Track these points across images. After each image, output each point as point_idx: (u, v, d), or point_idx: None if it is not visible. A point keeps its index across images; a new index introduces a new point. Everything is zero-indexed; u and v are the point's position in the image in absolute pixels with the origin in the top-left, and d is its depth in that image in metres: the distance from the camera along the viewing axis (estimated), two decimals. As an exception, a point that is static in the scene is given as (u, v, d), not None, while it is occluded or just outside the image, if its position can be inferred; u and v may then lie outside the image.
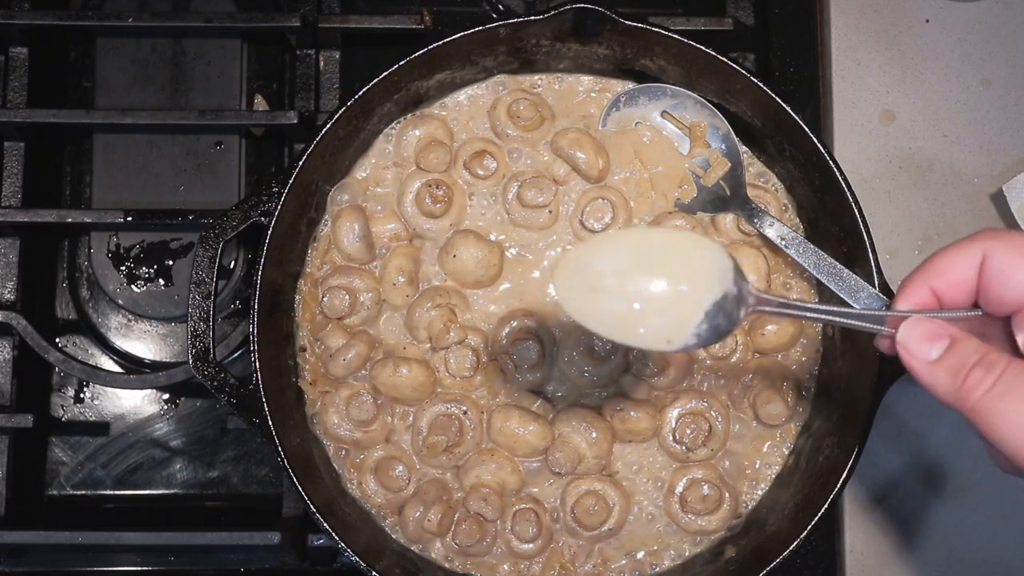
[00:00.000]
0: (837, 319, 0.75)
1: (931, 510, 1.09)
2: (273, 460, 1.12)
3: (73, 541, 1.05)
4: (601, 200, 1.01)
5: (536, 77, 1.05)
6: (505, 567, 1.00)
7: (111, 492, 1.15)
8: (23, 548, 1.10)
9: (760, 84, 0.96)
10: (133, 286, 1.13)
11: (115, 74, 1.15)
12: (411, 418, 1.00)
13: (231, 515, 1.14)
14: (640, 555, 1.00)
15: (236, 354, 1.11)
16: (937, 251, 0.73)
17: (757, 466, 1.02)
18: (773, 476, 1.01)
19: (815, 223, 1.01)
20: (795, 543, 0.92)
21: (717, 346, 1.00)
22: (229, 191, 1.13)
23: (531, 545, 0.99)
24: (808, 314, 0.76)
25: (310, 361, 1.01)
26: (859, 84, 1.15)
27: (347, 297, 0.99)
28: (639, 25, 0.96)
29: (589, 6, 0.95)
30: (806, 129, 0.96)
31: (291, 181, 0.94)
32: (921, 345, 0.70)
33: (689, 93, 1.01)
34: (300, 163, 0.95)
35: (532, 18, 0.96)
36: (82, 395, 1.16)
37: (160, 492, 1.15)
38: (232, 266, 1.13)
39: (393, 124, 1.03)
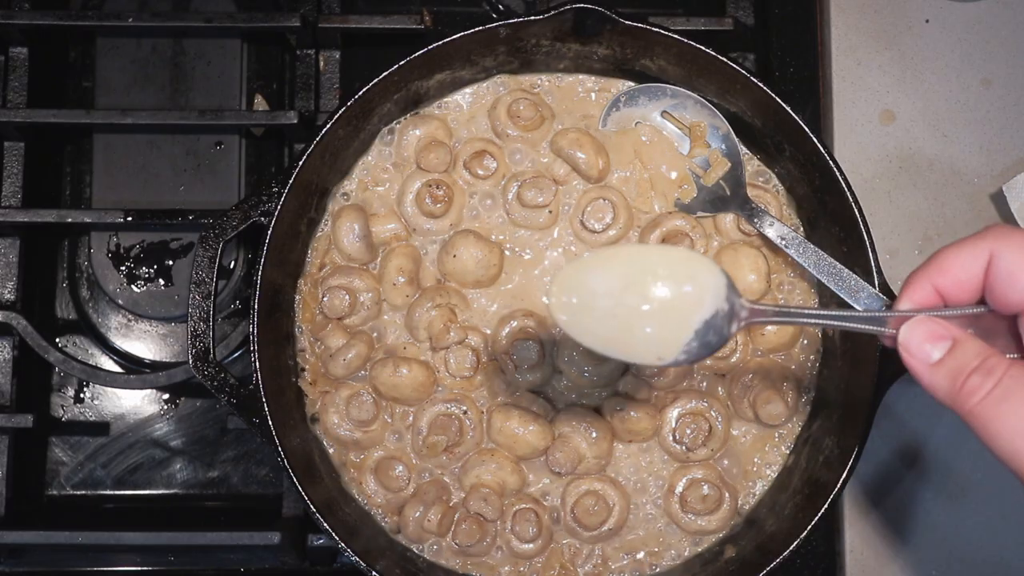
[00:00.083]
0: (835, 322, 0.75)
1: (931, 510, 1.09)
2: (273, 460, 1.12)
3: (73, 541, 1.05)
4: (601, 200, 1.01)
5: (536, 77, 1.05)
6: (505, 567, 1.00)
7: (111, 492, 1.15)
8: (23, 548, 1.10)
9: (760, 84, 0.96)
10: (133, 286, 1.13)
11: (115, 74, 1.15)
12: (411, 418, 1.00)
13: (231, 515, 1.14)
14: (640, 555, 1.00)
15: (236, 354, 1.11)
16: (943, 248, 0.72)
17: (757, 466, 1.02)
18: (773, 476, 1.01)
19: (815, 223, 1.01)
20: (795, 543, 0.92)
21: (717, 346, 1.01)
22: (229, 191, 1.13)
23: (531, 545, 0.99)
24: (805, 320, 0.76)
25: (310, 361, 1.01)
26: (859, 84, 1.15)
27: (347, 297, 0.99)
28: (639, 25, 0.96)
29: (589, 6, 0.95)
30: (806, 129, 0.96)
31: (291, 181, 0.94)
32: (923, 346, 0.70)
33: (689, 93, 1.01)
34: (300, 163, 0.95)
35: (532, 18, 0.96)
36: (82, 395, 1.16)
37: (160, 492, 1.15)
38: (232, 266, 1.13)
39: (393, 124, 1.03)
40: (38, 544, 1.08)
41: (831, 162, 0.95)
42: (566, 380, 1.01)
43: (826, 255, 0.95)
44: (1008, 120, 1.14)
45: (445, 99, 1.04)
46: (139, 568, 1.11)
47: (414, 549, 0.99)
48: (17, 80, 1.13)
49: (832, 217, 0.98)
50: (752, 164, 1.04)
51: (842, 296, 0.91)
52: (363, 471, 1.00)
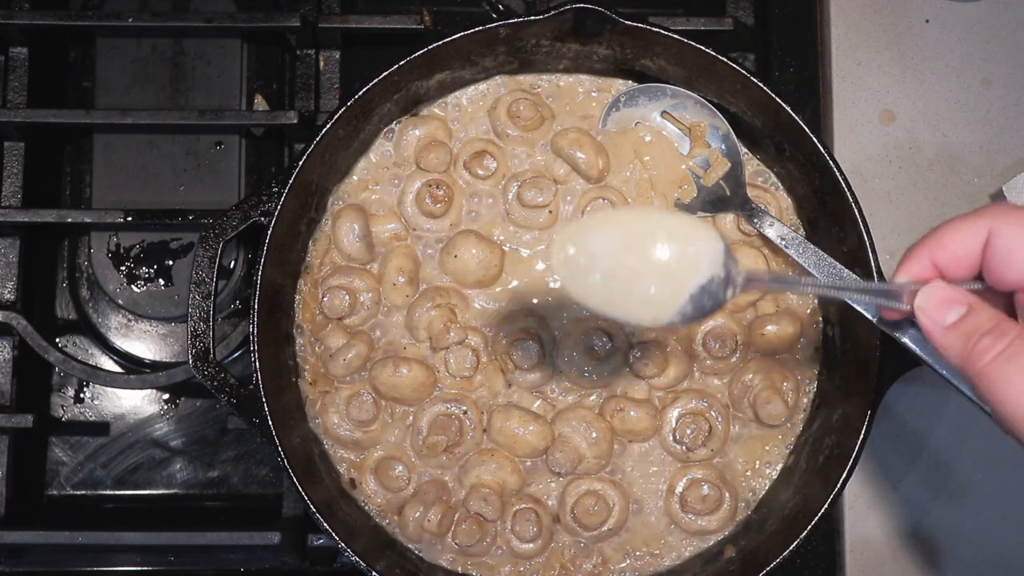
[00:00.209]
0: (835, 292, 0.75)
1: (931, 510, 1.09)
2: (273, 460, 1.12)
3: (73, 541, 1.05)
4: (601, 200, 1.01)
5: (536, 77, 1.05)
6: (505, 567, 1.00)
7: (111, 492, 1.15)
8: (23, 548, 1.10)
9: (760, 84, 0.96)
10: (133, 286, 1.13)
11: (115, 74, 1.15)
12: (411, 418, 1.00)
13: (231, 515, 1.14)
14: (640, 555, 1.00)
15: (236, 354, 1.11)
16: (942, 224, 0.72)
17: (757, 466, 1.02)
18: (773, 476, 1.01)
19: (815, 223, 1.01)
20: (795, 543, 0.92)
21: (716, 346, 1.00)
22: (229, 191, 1.13)
23: (531, 545, 0.99)
24: (802, 288, 0.76)
25: (310, 361, 1.01)
26: (859, 84, 1.15)
27: (347, 297, 0.99)
28: (639, 25, 0.96)
29: (589, 6, 0.95)
30: (806, 129, 0.96)
31: (291, 181, 0.94)
32: (939, 309, 0.70)
33: (689, 93, 1.01)
34: (300, 163, 0.95)
35: (532, 18, 0.96)
36: (82, 395, 1.16)
37: (160, 492, 1.15)
38: (232, 266, 1.13)
39: (393, 124, 1.03)
40: (38, 544, 1.08)
41: (831, 162, 0.95)
42: (566, 380, 1.01)
43: (826, 255, 0.95)
44: (1008, 120, 1.14)
45: (445, 99, 1.04)
46: (139, 568, 1.11)
47: (414, 549, 0.99)
48: (17, 80, 1.13)
49: (832, 217, 0.98)
50: (752, 164, 1.04)
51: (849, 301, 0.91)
52: (363, 471, 1.00)
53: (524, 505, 0.99)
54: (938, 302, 0.70)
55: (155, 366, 1.15)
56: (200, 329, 0.94)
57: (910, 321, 0.79)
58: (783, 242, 0.97)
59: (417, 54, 0.96)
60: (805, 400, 1.02)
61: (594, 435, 0.98)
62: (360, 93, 0.96)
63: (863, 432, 0.92)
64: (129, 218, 1.08)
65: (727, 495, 1.00)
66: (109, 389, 1.16)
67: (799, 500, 0.97)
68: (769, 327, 1.00)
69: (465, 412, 0.99)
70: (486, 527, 0.98)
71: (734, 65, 0.96)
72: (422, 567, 0.98)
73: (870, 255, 0.94)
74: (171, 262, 1.13)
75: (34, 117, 1.11)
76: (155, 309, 1.13)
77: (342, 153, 1.01)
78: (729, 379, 1.01)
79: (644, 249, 0.72)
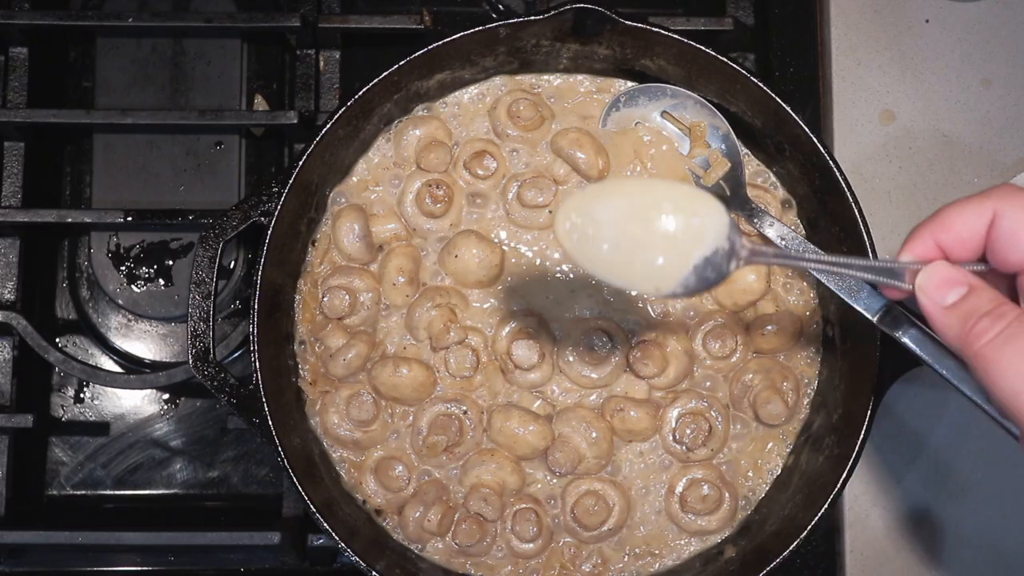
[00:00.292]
0: (839, 268, 0.75)
1: (931, 510, 1.09)
2: (273, 460, 1.12)
3: (73, 541, 1.05)
4: (601, 200, 1.01)
5: (536, 77, 1.05)
6: (505, 567, 1.00)
7: (111, 492, 1.15)
8: (23, 548, 1.10)
9: (760, 84, 0.96)
10: (133, 286, 1.13)
11: (115, 74, 1.15)
12: (411, 418, 1.00)
13: (231, 515, 1.14)
14: (640, 555, 1.00)
15: (236, 354, 1.11)
16: (947, 205, 0.72)
17: (757, 466, 1.02)
18: (773, 476, 1.01)
19: (815, 223, 1.01)
20: (795, 543, 0.92)
21: (716, 346, 1.00)
22: (229, 191, 1.13)
23: (531, 545, 0.99)
24: (807, 264, 0.77)
25: (310, 361, 1.01)
26: (859, 84, 1.15)
27: (347, 297, 0.99)
28: (639, 25, 0.96)
29: (589, 6, 0.95)
30: (806, 129, 0.96)
31: (291, 181, 0.94)
32: (939, 289, 0.70)
33: (689, 93, 1.01)
34: (300, 163, 0.95)
35: (532, 18, 0.96)
36: (82, 395, 1.16)
37: (160, 492, 1.15)
38: (232, 266, 1.13)
39: (393, 124, 1.04)
40: (38, 544, 1.08)
41: (831, 162, 0.95)
42: (566, 380, 1.01)
43: (826, 255, 0.95)
44: (1008, 120, 1.14)
45: (445, 99, 1.04)
46: (139, 568, 1.11)
47: (414, 549, 0.99)
48: (17, 80, 1.13)
49: (832, 217, 0.98)
50: (752, 164, 1.04)
51: (842, 296, 0.91)
52: (363, 471, 1.00)
53: (524, 505, 0.99)
54: (939, 282, 0.70)
55: (155, 366, 1.15)
56: (200, 329, 0.94)
57: (910, 321, 0.79)
58: (783, 242, 0.97)
59: (417, 54, 0.96)
60: (805, 400, 1.02)
61: (594, 435, 0.98)
62: (360, 93, 0.96)
63: (863, 432, 0.92)
64: (129, 218, 1.08)
65: (727, 495, 1.00)
66: (109, 389, 1.16)
67: (799, 500, 0.97)
68: (769, 327, 1.00)
69: (465, 412, 0.99)
70: (486, 527, 0.98)
71: (734, 65, 0.96)
72: (422, 567, 0.98)
73: (870, 255, 0.94)
74: (171, 262, 1.13)
75: (34, 117, 1.11)
76: (155, 309, 1.13)
77: (342, 153, 1.01)
78: (729, 379, 1.01)
79: (649, 219, 0.72)
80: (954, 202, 0.72)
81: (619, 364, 1.00)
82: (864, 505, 1.10)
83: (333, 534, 0.92)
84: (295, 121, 1.09)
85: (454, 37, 0.96)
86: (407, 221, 1.02)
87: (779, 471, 1.01)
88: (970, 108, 1.15)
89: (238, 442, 1.16)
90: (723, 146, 1.02)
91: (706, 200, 0.73)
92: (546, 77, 1.05)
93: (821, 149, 0.95)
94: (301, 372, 1.01)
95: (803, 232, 1.02)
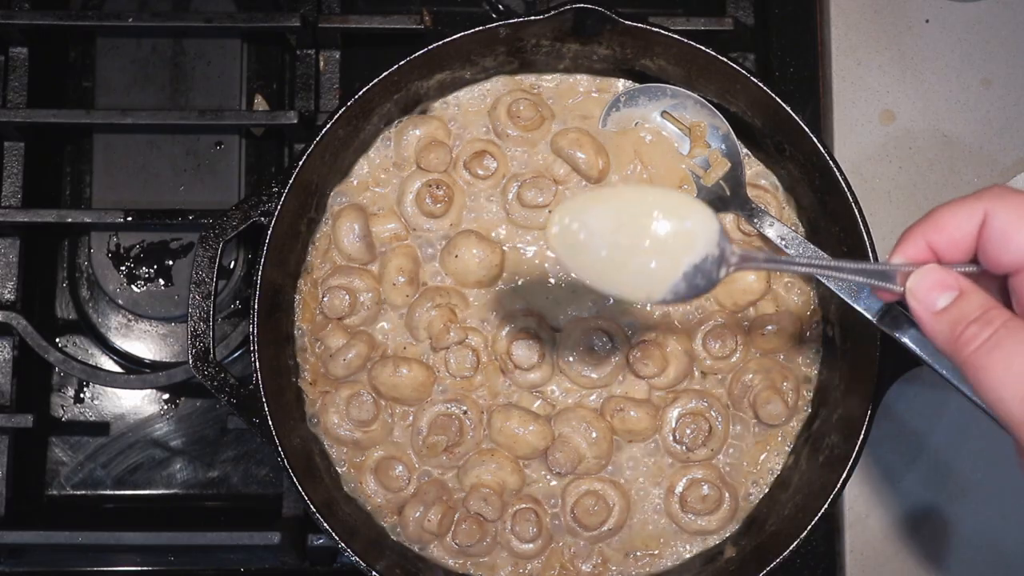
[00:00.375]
0: (831, 272, 0.75)
1: (931, 510, 1.09)
2: (273, 460, 1.12)
3: (73, 541, 1.05)
4: (601, 200, 1.01)
5: (536, 77, 1.05)
6: (505, 567, 1.00)
7: (111, 492, 1.15)
8: (23, 548, 1.10)
9: (760, 84, 0.96)
10: (133, 286, 1.13)
11: (115, 74, 1.15)
12: (411, 418, 1.00)
13: (231, 515, 1.14)
14: (640, 555, 1.00)
15: (236, 354, 1.11)
16: (938, 206, 0.72)
17: (757, 466, 1.02)
18: (773, 476, 1.01)
19: (815, 223, 1.01)
20: (795, 543, 0.92)
21: (716, 346, 1.01)
22: (229, 191, 1.13)
23: (531, 545, 0.99)
24: (797, 268, 0.77)
25: (310, 361, 1.01)
26: (859, 84, 1.15)
27: (347, 297, 0.99)
28: (639, 25, 0.96)
29: (589, 6, 0.95)
30: (806, 129, 0.96)
31: (291, 181, 0.94)
32: (930, 293, 0.70)
33: (689, 93, 1.01)
34: (300, 163, 0.95)
35: (532, 18, 0.96)
36: (82, 395, 1.16)
37: (160, 492, 1.15)
38: (232, 266, 1.14)
39: (393, 124, 1.04)
40: (38, 544, 1.08)
41: (831, 162, 0.95)
42: (566, 380, 1.01)
43: (826, 255, 0.95)
44: (1008, 120, 1.14)
45: (445, 99, 1.04)
46: (139, 568, 1.11)
47: (414, 549, 0.99)
48: (17, 80, 1.13)
49: (832, 217, 0.98)
50: (752, 164, 1.04)
51: (842, 296, 0.91)
52: (363, 471, 1.00)
53: (524, 505, 0.99)
54: (930, 286, 0.70)
55: (155, 366, 1.15)
56: (200, 329, 0.94)
57: (910, 321, 0.79)
58: (783, 242, 0.97)
59: (417, 54, 0.96)
60: (805, 400, 1.02)
61: (594, 435, 0.98)
62: (360, 93, 0.96)
63: (863, 432, 0.92)
64: (129, 218, 1.08)
65: (727, 495, 1.00)
66: (109, 389, 1.16)
67: (799, 500, 0.97)
68: (769, 327, 1.00)
69: (465, 412, 0.99)
70: (486, 527, 0.98)
71: (734, 65, 0.96)
72: (422, 567, 0.98)
73: (870, 255, 0.94)
74: (171, 262, 1.13)
75: (34, 117, 1.11)
76: (155, 309, 1.13)
77: (342, 153, 1.01)
78: (729, 379, 1.01)
79: (640, 226, 0.72)
80: (945, 203, 0.72)
81: (619, 364, 1.00)
82: (864, 505, 1.10)
83: (333, 534, 0.92)
84: (295, 121, 1.09)
85: (454, 37, 0.96)
86: (407, 221, 1.02)
87: (779, 471, 1.01)
88: (970, 108, 1.15)
89: (238, 442, 1.16)
90: (723, 146, 1.02)
91: (696, 207, 0.73)
92: (546, 77, 1.05)
93: (821, 149, 0.95)
94: (301, 372, 1.01)
95: (803, 232, 1.02)
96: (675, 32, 0.97)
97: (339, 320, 1.00)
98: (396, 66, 0.96)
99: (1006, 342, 0.66)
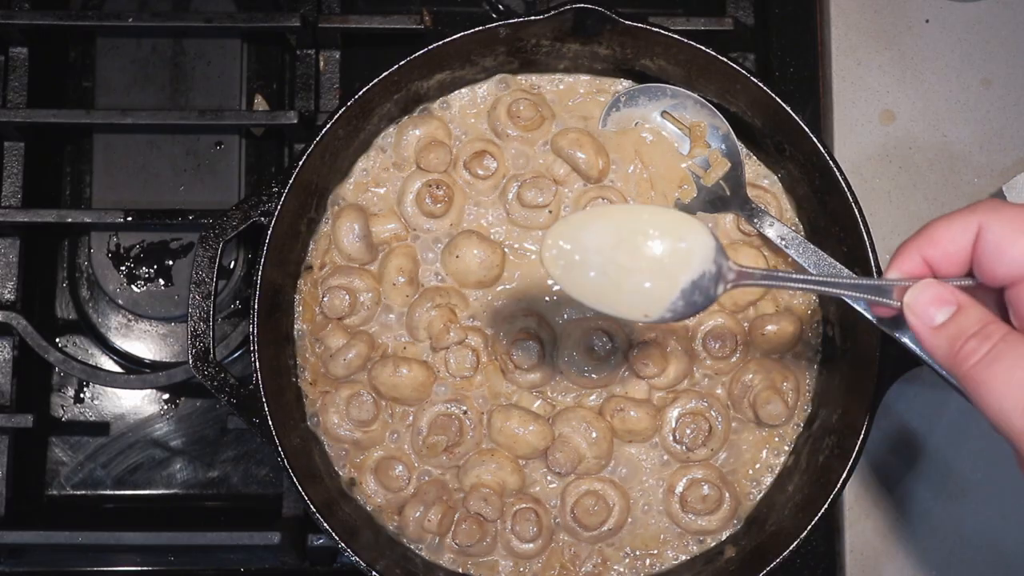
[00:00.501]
0: (827, 288, 0.75)
1: (931, 510, 1.09)
2: (273, 460, 1.12)
3: (73, 541, 1.05)
4: (601, 200, 1.01)
5: (536, 77, 1.05)
6: (506, 567, 1.00)
7: (111, 492, 1.15)
8: (23, 548, 1.10)
9: (760, 84, 0.96)
10: (133, 286, 1.13)
11: (115, 74, 1.15)
12: (411, 418, 1.00)
13: (231, 515, 1.14)
14: (640, 555, 1.00)
15: (236, 354, 1.11)
16: (933, 220, 0.72)
17: (757, 466, 1.02)
18: (773, 476, 1.01)
19: (815, 223, 1.01)
20: (795, 543, 0.92)
21: (716, 346, 1.01)
22: (229, 191, 1.13)
23: (531, 545, 0.99)
24: (794, 284, 0.76)
25: (310, 361, 1.01)
26: (859, 84, 1.15)
27: (347, 297, 0.99)
28: (639, 25, 0.96)
29: (589, 6, 0.95)
30: (806, 129, 0.96)
31: (291, 181, 0.94)
32: (928, 308, 0.70)
33: (689, 93, 1.01)
34: (300, 163, 0.95)
35: (532, 18, 0.96)
36: (82, 395, 1.16)
37: (160, 492, 1.15)
38: (232, 266, 1.14)
39: (393, 124, 1.04)
40: (38, 544, 1.08)
41: (831, 162, 0.95)
42: (566, 380, 1.01)
43: (826, 255, 0.95)
44: (1008, 120, 1.14)
45: (445, 99, 1.04)
46: (139, 568, 1.11)
47: (414, 549, 0.99)
48: (17, 80, 1.13)
49: (832, 217, 0.98)
50: (752, 164, 1.04)
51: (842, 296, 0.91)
52: (363, 471, 1.00)
53: (524, 505, 0.99)
54: (927, 301, 0.70)
55: (155, 366, 1.15)
56: (200, 329, 0.94)
57: None
58: (783, 242, 0.97)
59: (417, 54, 0.96)
60: (805, 400, 1.02)
61: (594, 435, 0.98)
62: (360, 93, 0.96)
63: (863, 432, 0.92)
64: (129, 218, 1.08)
65: (727, 495, 1.00)
66: (109, 389, 1.16)
67: (799, 500, 0.97)
68: (769, 327, 1.00)
69: (465, 412, 0.99)
70: (486, 527, 0.98)
71: (734, 65, 0.96)
72: (422, 567, 0.98)
73: (870, 255, 0.94)
74: (171, 262, 1.13)
75: (34, 117, 1.11)
76: (155, 309, 1.13)
77: (342, 153, 1.01)
78: (729, 379, 1.01)
79: (636, 245, 0.73)
80: (939, 217, 0.72)
81: (619, 364, 1.00)
82: (864, 505, 1.10)
83: (333, 534, 0.92)
84: (295, 121, 1.09)
85: (454, 37, 0.96)
86: (407, 221, 1.02)
87: (779, 471, 1.01)
88: (970, 108, 1.15)
89: (238, 442, 1.16)
90: (723, 146, 1.02)
91: (692, 224, 0.73)
92: (546, 77, 1.05)
93: (821, 149, 0.95)
94: (301, 372, 1.01)
95: (803, 232, 1.02)
96: (675, 32, 0.97)
97: (339, 320, 1.00)
98: (396, 66, 0.96)
99: (1005, 355, 0.66)
